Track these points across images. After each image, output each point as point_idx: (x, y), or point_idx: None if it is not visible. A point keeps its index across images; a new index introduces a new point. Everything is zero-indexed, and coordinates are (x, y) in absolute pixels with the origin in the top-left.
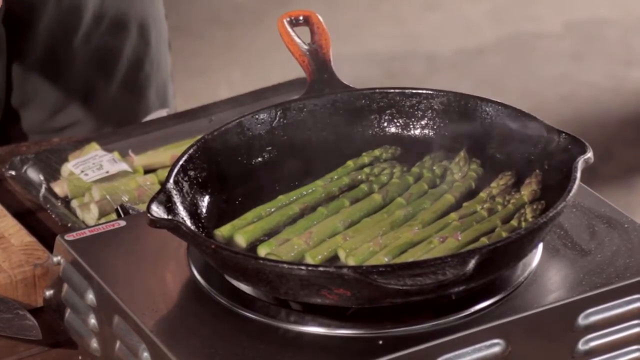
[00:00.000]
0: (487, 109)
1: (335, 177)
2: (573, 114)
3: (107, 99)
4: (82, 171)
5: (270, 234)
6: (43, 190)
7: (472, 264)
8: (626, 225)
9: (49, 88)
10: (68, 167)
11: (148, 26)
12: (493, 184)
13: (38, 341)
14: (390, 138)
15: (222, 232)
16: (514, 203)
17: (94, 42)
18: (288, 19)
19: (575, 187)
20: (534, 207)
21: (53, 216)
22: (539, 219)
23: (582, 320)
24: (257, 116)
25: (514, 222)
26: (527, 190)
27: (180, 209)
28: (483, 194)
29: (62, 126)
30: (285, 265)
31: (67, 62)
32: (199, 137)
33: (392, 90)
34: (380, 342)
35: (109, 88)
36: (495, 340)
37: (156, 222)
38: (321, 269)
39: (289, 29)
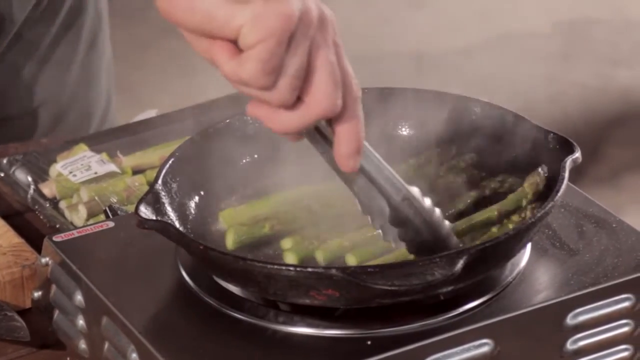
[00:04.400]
0: (475, 109)
1: None
2: (561, 114)
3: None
4: (71, 172)
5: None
6: (31, 191)
7: (460, 264)
8: (614, 225)
9: None
10: (56, 168)
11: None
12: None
13: (26, 342)
14: (377, 139)
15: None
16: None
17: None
18: None
19: (564, 187)
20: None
21: (41, 217)
22: (527, 219)
23: (570, 319)
24: (246, 117)
25: (514, 218)
26: (531, 189)
27: (169, 210)
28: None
29: None
30: (274, 266)
31: None
32: (188, 137)
33: (378, 90)
34: (369, 342)
35: None
36: (484, 340)
37: (144, 223)
38: (310, 269)
39: None
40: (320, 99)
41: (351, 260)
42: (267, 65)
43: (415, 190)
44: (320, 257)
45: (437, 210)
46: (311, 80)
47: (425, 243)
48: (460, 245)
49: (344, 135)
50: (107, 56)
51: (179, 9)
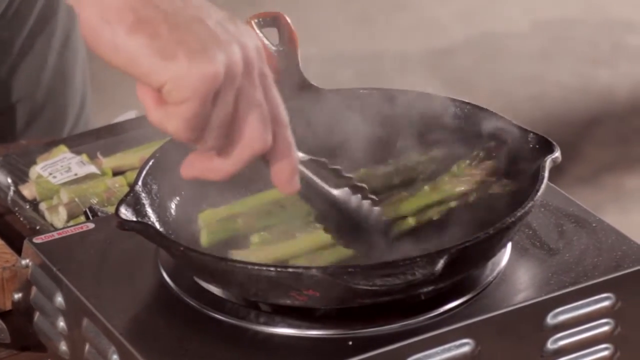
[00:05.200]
0: (456, 109)
1: None
2: (542, 113)
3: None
4: (51, 174)
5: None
6: (11, 193)
7: (441, 263)
8: (594, 225)
9: None
10: (36, 170)
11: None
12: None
13: (7, 344)
14: (359, 138)
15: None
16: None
17: None
18: (256, 20)
19: (543, 186)
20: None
21: (21, 219)
22: (507, 219)
23: (550, 319)
24: None
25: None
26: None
27: (149, 211)
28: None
29: None
30: (254, 267)
31: None
32: (168, 138)
33: (361, 91)
34: (350, 342)
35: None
36: (465, 340)
37: (125, 224)
38: (290, 269)
39: (257, 30)
40: (250, 142)
41: (255, 239)
42: (191, 123)
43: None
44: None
45: (367, 203)
46: (239, 125)
47: (339, 221)
48: (383, 217)
49: (277, 165)
50: (82, 53)
51: (103, 45)
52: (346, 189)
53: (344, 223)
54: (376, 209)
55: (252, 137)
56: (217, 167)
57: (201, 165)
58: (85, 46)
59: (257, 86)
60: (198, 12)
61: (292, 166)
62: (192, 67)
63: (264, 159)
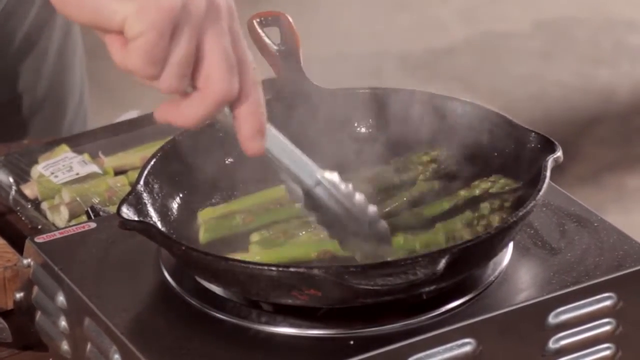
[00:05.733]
0: (457, 108)
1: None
2: (543, 113)
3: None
4: (52, 173)
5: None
6: (13, 192)
7: (442, 263)
8: (596, 224)
9: None
10: (38, 169)
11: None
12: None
13: (8, 344)
14: (360, 138)
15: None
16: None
17: None
18: (258, 20)
19: (545, 186)
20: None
21: (23, 218)
22: (509, 218)
23: (552, 319)
24: None
25: (478, 228)
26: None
27: (151, 211)
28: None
29: None
30: (256, 266)
31: None
32: (170, 138)
33: (362, 90)
34: (352, 342)
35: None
36: (466, 340)
37: (126, 224)
38: (292, 269)
39: (259, 30)
40: (214, 84)
41: (255, 238)
42: (149, 56)
43: (333, 176)
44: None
45: (359, 195)
46: (203, 67)
47: (347, 228)
48: (387, 228)
49: (243, 118)
50: (80, 47)
51: (69, 3)
52: (355, 195)
53: (347, 229)
54: (382, 222)
55: (216, 79)
56: (186, 113)
57: (172, 111)
58: (81, 37)
59: (224, 34)
60: None
61: (258, 123)
62: (148, 0)
63: (232, 113)
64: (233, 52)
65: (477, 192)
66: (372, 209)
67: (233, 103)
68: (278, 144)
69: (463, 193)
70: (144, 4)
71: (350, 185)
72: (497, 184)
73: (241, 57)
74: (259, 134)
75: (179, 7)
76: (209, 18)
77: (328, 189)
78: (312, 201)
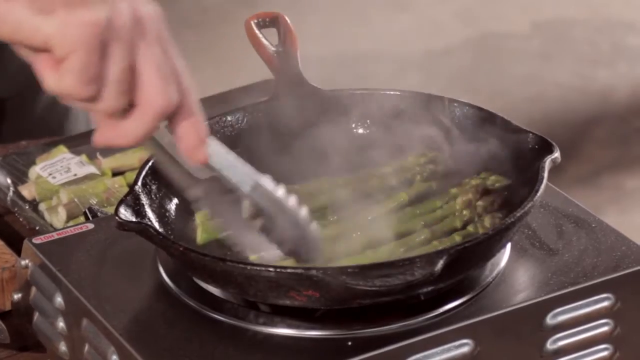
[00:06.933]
0: (455, 109)
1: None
2: (541, 114)
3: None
4: (50, 174)
5: None
6: (11, 193)
7: (440, 264)
8: (594, 225)
9: None
10: (36, 170)
11: None
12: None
13: (6, 345)
14: (358, 139)
15: None
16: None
17: None
18: (255, 21)
19: (543, 186)
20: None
21: (21, 219)
22: (507, 219)
23: (550, 319)
24: (224, 118)
25: (470, 228)
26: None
27: (149, 212)
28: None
29: None
30: (254, 267)
31: None
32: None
33: (360, 91)
34: (350, 343)
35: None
36: (464, 341)
37: (124, 225)
38: (289, 270)
39: (257, 31)
40: (152, 98)
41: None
42: (83, 76)
43: (265, 180)
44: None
45: (292, 198)
46: (139, 83)
47: (284, 232)
48: (318, 231)
49: (184, 128)
50: None
51: None
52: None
53: (284, 233)
54: (314, 224)
55: (154, 92)
56: (125, 131)
57: (111, 132)
58: None
59: (154, 45)
60: None
61: (199, 132)
62: (70, 16)
63: (171, 126)
64: (165, 62)
65: (470, 194)
66: (304, 211)
67: (172, 117)
68: (213, 150)
69: (454, 191)
70: (67, 19)
71: (283, 189)
72: (487, 180)
73: (174, 66)
74: (201, 142)
75: (104, 22)
76: (136, 30)
77: (265, 194)
78: (253, 207)
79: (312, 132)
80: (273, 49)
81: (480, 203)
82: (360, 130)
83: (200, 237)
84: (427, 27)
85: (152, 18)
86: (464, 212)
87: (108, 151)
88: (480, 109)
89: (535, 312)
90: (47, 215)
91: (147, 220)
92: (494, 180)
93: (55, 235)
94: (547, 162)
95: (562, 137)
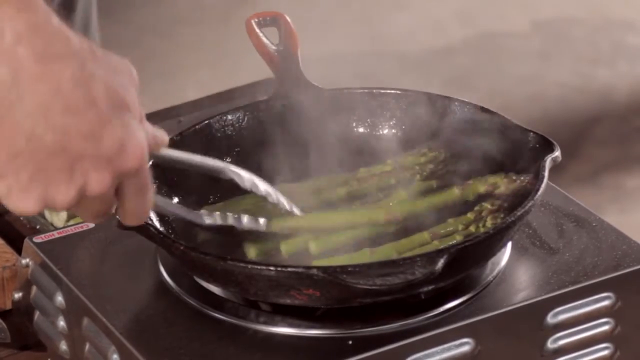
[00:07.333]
0: (456, 108)
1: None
2: (541, 113)
3: None
4: None
5: None
6: None
7: (441, 263)
8: (594, 224)
9: None
10: None
11: None
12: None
13: (7, 344)
14: (358, 138)
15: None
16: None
17: None
18: (256, 20)
19: (544, 185)
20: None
21: (21, 218)
22: (508, 218)
23: (550, 318)
24: (225, 117)
25: (472, 228)
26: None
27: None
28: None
29: None
30: (254, 266)
31: None
32: (169, 138)
33: (360, 90)
34: (350, 342)
35: None
36: (465, 340)
37: (124, 224)
38: (290, 269)
39: (257, 30)
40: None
41: (313, 247)
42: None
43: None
44: (284, 250)
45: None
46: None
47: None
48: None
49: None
50: (97, 41)
51: None
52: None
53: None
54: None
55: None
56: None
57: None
58: (100, 36)
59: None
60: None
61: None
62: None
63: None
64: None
65: (471, 196)
66: (262, 220)
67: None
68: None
69: (457, 192)
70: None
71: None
72: (487, 181)
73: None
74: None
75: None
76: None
77: (216, 218)
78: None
79: (312, 131)
80: (274, 48)
81: (488, 206)
82: (361, 129)
83: (200, 235)
84: (427, 27)
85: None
86: (469, 214)
87: None
88: (480, 108)
89: (536, 311)
90: (47, 214)
91: (147, 219)
92: (494, 180)
93: (56, 234)
94: (548, 161)
95: (562, 137)
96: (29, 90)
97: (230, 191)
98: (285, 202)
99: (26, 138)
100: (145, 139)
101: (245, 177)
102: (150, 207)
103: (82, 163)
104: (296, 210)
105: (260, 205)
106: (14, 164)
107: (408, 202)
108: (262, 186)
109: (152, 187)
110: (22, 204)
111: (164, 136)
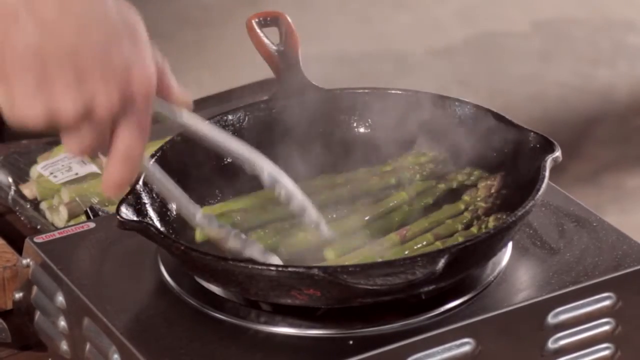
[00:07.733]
0: (456, 108)
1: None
2: (542, 113)
3: None
4: (51, 173)
5: None
6: (12, 192)
7: (441, 263)
8: (595, 224)
9: None
10: (37, 169)
11: None
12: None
13: (7, 344)
14: (359, 138)
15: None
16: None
17: None
18: (257, 20)
19: (544, 186)
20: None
21: (22, 218)
22: (509, 218)
23: (551, 318)
24: (225, 117)
25: (473, 229)
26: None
27: (150, 211)
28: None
29: None
30: (255, 266)
31: None
32: (169, 138)
33: (360, 91)
34: (351, 342)
35: None
36: (465, 340)
37: (125, 224)
38: (290, 269)
39: (258, 30)
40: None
41: (330, 255)
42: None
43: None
44: (284, 251)
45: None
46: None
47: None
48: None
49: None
50: None
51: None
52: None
53: None
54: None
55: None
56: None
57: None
58: None
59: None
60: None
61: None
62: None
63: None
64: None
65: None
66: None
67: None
68: (154, 178)
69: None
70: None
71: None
72: (472, 176)
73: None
74: (122, 186)
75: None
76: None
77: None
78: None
79: (312, 130)
80: (274, 47)
81: (482, 204)
82: (361, 129)
83: (199, 235)
84: (427, 27)
85: (143, 94)
86: (465, 213)
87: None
88: (481, 108)
89: (537, 311)
90: (48, 214)
91: (148, 219)
92: (477, 176)
93: (56, 234)
94: (549, 161)
95: (563, 137)
96: (40, 1)
97: (230, 191)
98: (315, 221)
99: (35, 47)
100: (154, 68)
101: (286, 186)
102: (140, 164)
103: (91, 77)
104: (324, 229)
105: (261, 205)
106: (20, 70)
107: (418, 222)
108: (298, 201)
109: (147, 137)
110: (27, 111)
111: (185, 92)
